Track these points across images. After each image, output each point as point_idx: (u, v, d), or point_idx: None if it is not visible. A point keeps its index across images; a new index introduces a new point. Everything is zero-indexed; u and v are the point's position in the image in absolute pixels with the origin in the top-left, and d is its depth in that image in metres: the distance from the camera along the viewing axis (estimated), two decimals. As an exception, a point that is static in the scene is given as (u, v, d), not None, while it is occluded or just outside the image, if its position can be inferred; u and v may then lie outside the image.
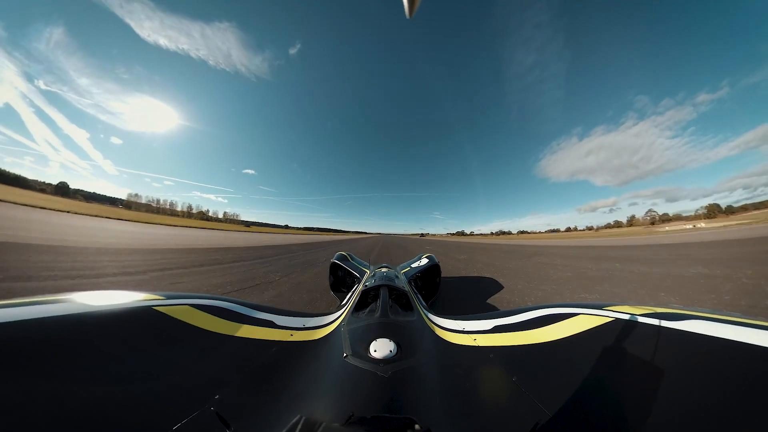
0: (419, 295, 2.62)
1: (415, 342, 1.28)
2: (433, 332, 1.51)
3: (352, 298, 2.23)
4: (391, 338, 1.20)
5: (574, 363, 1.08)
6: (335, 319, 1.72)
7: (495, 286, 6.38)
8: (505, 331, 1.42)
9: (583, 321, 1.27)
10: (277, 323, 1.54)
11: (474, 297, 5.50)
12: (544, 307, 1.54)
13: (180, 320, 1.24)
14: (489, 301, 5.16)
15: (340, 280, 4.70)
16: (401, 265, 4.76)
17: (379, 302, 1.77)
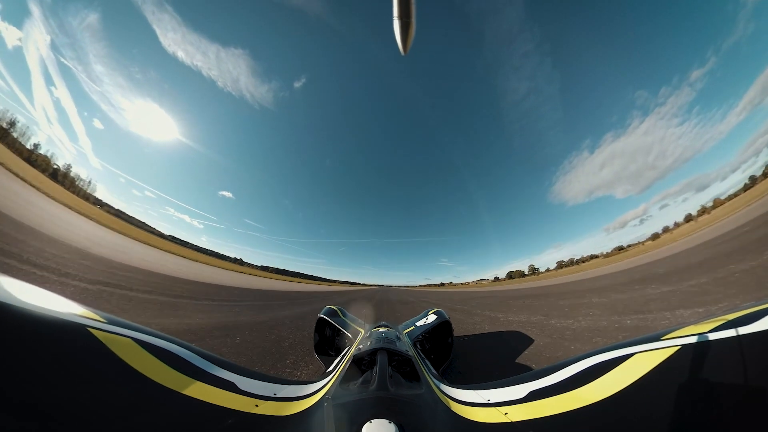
0: (427, 361, 2.31)
1: (424, 422, 1.08)
2: (447, 408, 1.26)
3: (341, 363, 1.93)
4: (391, 419, 0.98)
5: (645, 419, 0.90)
6: (317, 390, 1.45)
7: (523, 342, 5.63)
8: (545, 396, 1.18)
9: (642, 361, 1.09)
10: (240, 387, 1.27)
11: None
12: (586, 356, 1.32)
13: (117, 355, 1.02)
14: (518, 360, 4.48)
15: (328, 340, 4.11)
16: (404, 324, 4.26)
17: (375, 370, 1.50)
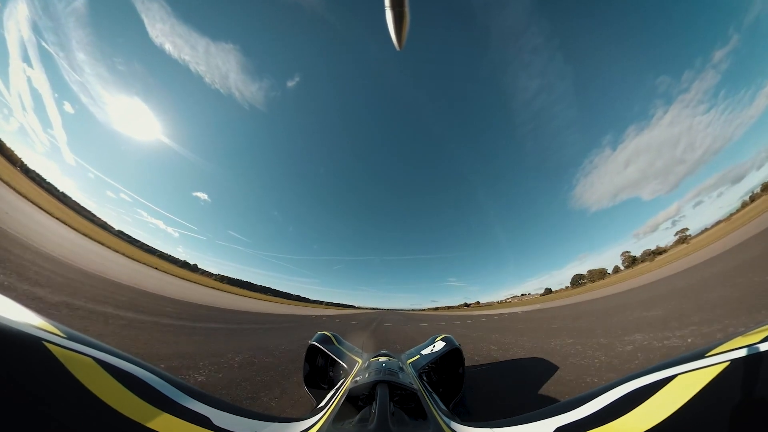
0: (435, 395, 2.14)
1: None
2: None
3: (335, 398, 1.77)
4: None
5: None
6: (306, 429, 1.35)
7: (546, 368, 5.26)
8: None
9: (686, 383, 1.00)
10: (215, 422, 1.16)
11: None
12: (621, 383, 1.21)
13: (76, 378, 0.90)
14: (542, 392, 4.14)
15: (320, 371, 3.76)
16: (407, 353, 3.95)
17: (375, 406, 1.38)
